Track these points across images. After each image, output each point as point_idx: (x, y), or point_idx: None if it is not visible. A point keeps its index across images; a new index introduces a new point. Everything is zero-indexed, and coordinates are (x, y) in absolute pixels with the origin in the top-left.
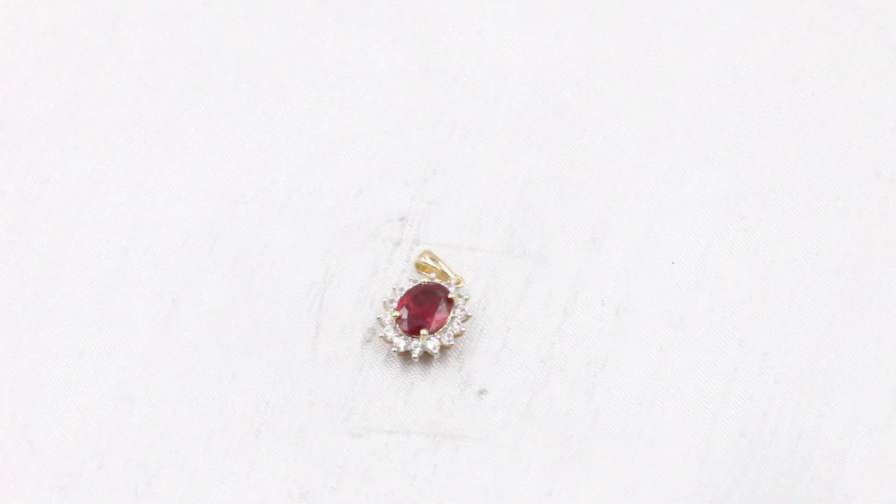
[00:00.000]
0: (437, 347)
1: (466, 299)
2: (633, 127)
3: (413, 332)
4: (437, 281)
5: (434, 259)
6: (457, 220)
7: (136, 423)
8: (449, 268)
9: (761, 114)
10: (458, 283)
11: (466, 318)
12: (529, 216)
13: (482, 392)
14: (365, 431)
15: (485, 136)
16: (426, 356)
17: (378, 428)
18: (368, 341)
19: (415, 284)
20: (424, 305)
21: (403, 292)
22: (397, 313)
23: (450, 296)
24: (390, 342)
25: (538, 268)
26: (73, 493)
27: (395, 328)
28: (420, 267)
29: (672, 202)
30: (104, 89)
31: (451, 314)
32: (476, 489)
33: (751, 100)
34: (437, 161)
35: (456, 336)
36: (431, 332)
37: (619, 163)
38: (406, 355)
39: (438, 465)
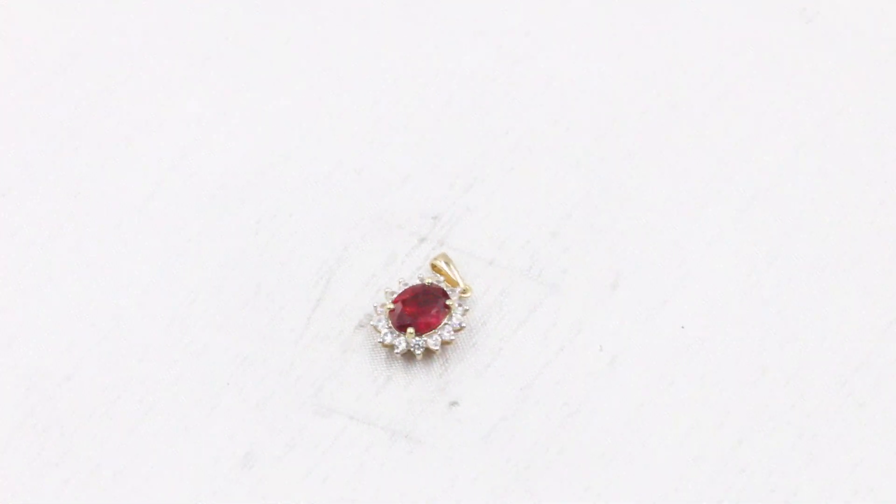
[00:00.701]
0: (421, 349)
1: (466, 310)
2: (683, 176)
3: (401, 328)
4: (443, 285)
5: (448, 263)
6: (487, 231)
7: (115, 344)
8: (461, 276)
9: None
10: (463, 292)
11: (460, 328)
12: (557, 245)
13: (453, 403)
14: (328, 412)
15: (535, 155)
16: (409, 354)
17: (342, 411)
18: (362, 326)
19: (420, 283)
20: (420, 305)
21: (407, 287)
22: (392, 306)
23: (448, 302)
24: (378, 331)
25: (550, 298)
26: (35, 393)
27: (386, 320)
28: (434, 268)
29: (698, 265)
30: (163, 36)
31: (446, 320)
32: (414, 495)
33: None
34: (484, 169)
35: (444, 343)
36: (418, 333)
37: (659, 212)
38: (391, 348)
39: (387, 463)
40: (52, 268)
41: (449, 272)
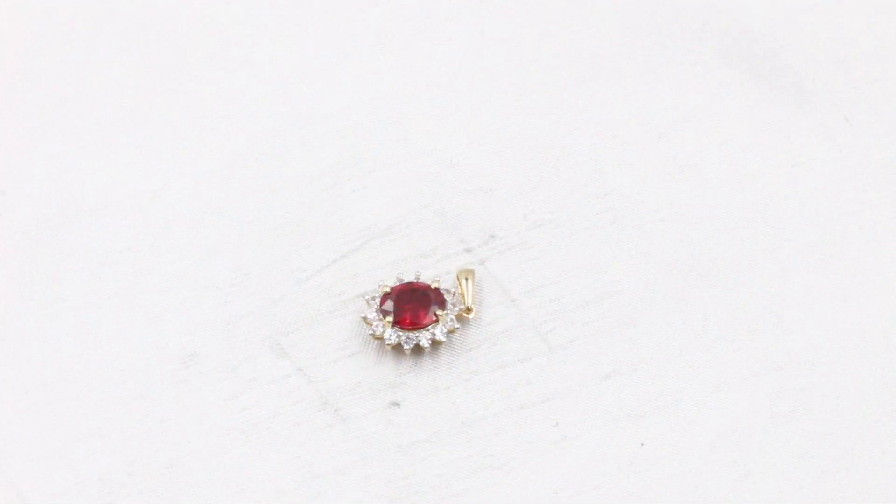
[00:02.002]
0: (393, 339)
1: (454, 328)
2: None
3: (385, 313)
4: (445, 295)
5: (469, 279)
6: (529, 272)
7: (105, 251)
8: (474, 296)
9: None
10: (467, 311)
11: (435, 342)
12: (578, 317)
13: (394, 404)
14: (283, 356)
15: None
16: (398, 347)
17: (294, 362)
18: (365, 299)
19: (427, 285)
20: (411, 302)
21: (406, 283)
22: (388, 288)
23: (438, 312)
24: (369, 324)
25: (540, 358)
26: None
27: (378, 312)
28: (458, 277)
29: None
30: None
31: (431, 327)
32: (300, 463)
33: None
34: (566, 217)
35: (411, 348)
36: (402, 328)
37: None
38: (381, 340)
39: (301, 423)
40: None
41: (464, 288)
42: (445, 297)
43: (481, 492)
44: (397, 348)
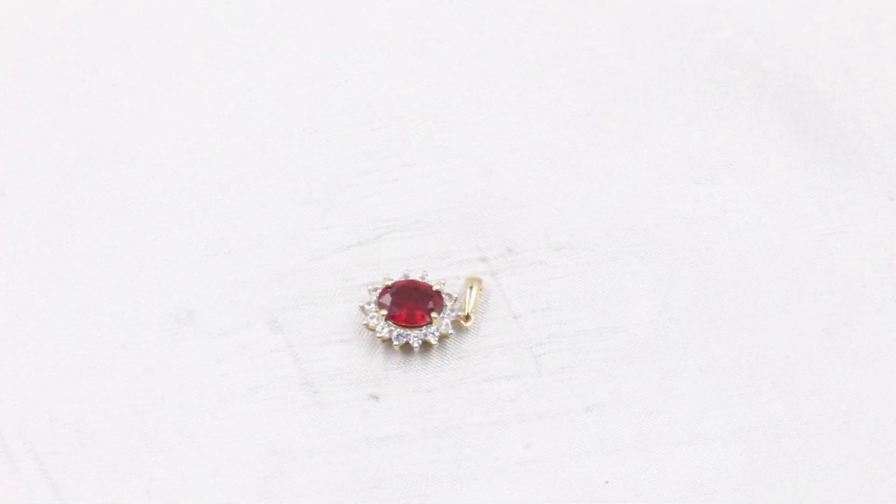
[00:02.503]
0: (384, 333)
1: (447, 334)
2: None
3: (381, 306)
4: (445, 298)
5: (474, 288)
6: (538, 295)
7: (130, 200)
8: (476, 305)
9: None
10: (465, 318)
11: (426, 343)
12: (589, 360)
13: (374, 397)
14: (277, 330)
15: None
16: (389, 342)
17: (287, 338)
18: (368, 289)
19: (429, 286)
20: (411, 302)
21: (410, 280)
22: (390, 281)
23: (433, 315)
24: (366, 314)
25: (528, 381)
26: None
27: (376, 305)
28: (466, 283)
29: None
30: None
31: (426, 327)
32: (265, 437)
33: None
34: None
35: (400, 345)
36: (396, 324)
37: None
38: (373, 331)
39: (278, 399)
40: None
41: (468, 295)
42: (445, 301)
43: (439, 499)
44: (388, 343)
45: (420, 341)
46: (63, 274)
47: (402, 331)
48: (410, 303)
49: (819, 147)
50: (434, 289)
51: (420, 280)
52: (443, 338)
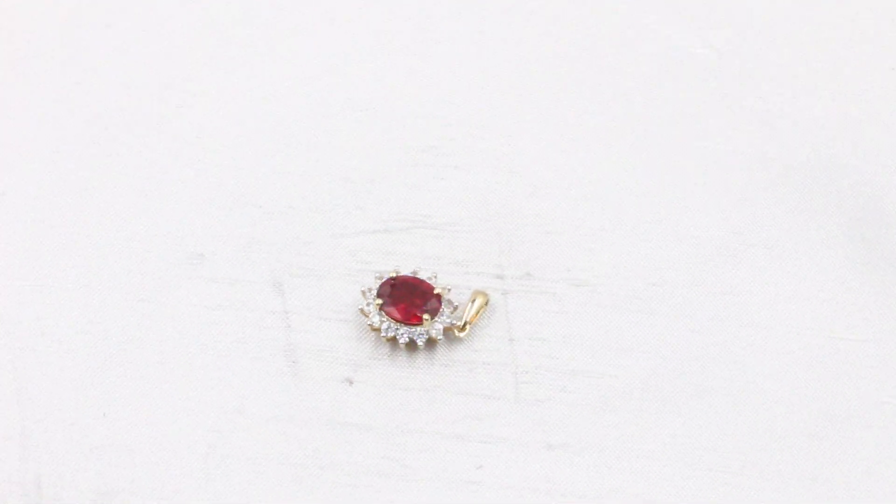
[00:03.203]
0: (374, 319)
1: (434, 339)
2: None
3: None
4: (444, 303)
5: (477, 302)
6: (541, 325)
7: (180, 134)
8: (473, 317)
9: None
10: (461, 329)
11: (412, 343)
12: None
13: (349, 380)
14: (279, 293)
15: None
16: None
17: (285, 303)
18: (375, 275)
19: (432, 287)
20: (409, 298)
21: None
22: (395, 274)
23: (425, 317)
24: (364, 297)
25: (501, 405)
26: None
27: (374, 300)
28: (474, 295)
29: None
30: None
31: (417, 326)
32: (232, 401)
33: None
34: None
35: (387, 338)
36: (384, 310)
37: None
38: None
39: (257, 362)
40: None
41: (469, 308)
42: (444, 307)
43: (377, 493)
44: (378, 333)
45: (407, 339)
46: (97, 194)
47: (392, 324)
48: (408, 300)
49: (872, 253)
50: (435, 292)
51: (426, 280)
52: (430, 342)
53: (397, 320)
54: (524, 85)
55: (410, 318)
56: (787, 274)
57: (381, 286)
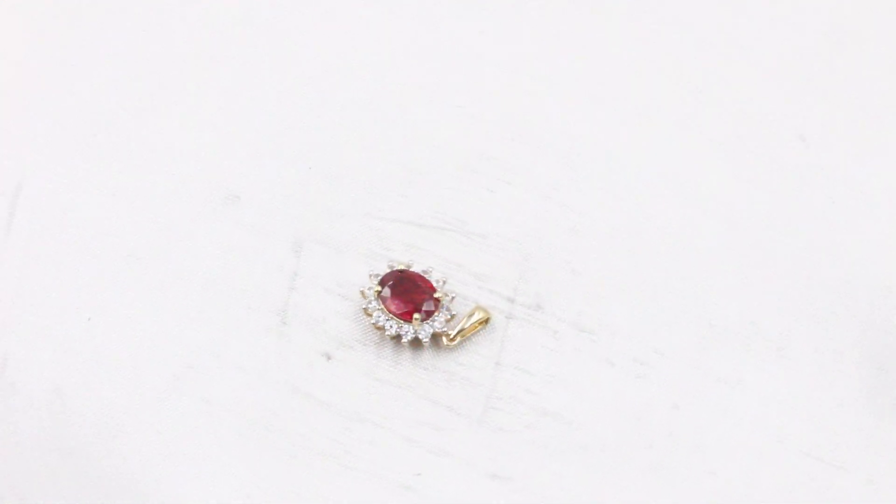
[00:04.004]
0: (371, 299)
1: (417, 341)
2: None
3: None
4: (442, 307)
5: (475, 317)
6: (531, 358)
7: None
8: (467, 334)
9: None
10: (450, 339)
11: (395, 336)
12: (530, 438)
13: (327, 355)
14: (296, 255)
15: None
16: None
17: (297, 266)
18: (389, 264)
19: (434, 290)
20: (408, 294)
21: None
22: (403, 267)
23: (416, 315)
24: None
25: (461, 422)
26: None
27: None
28: (473, 309)
29: None
30: None
31: (401, 323)
32: (211, 345)
33: None
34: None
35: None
36: (381, 298)
37: None
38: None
39: (249, 311)
40: None
41: (465, 322)
42: (439, 313)
43: (310, 471)
44: (369, 316)
45: (394, 331)
46: (152, 122)
47: (383, 313)
48: (407, 295)
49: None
50: (436, 295)
51: (433, 283)
52: (416, 342)
53: (390, 312)
54: (605, 128)
55: (403, 315)
56: (790, 377)
57: (387, 275)
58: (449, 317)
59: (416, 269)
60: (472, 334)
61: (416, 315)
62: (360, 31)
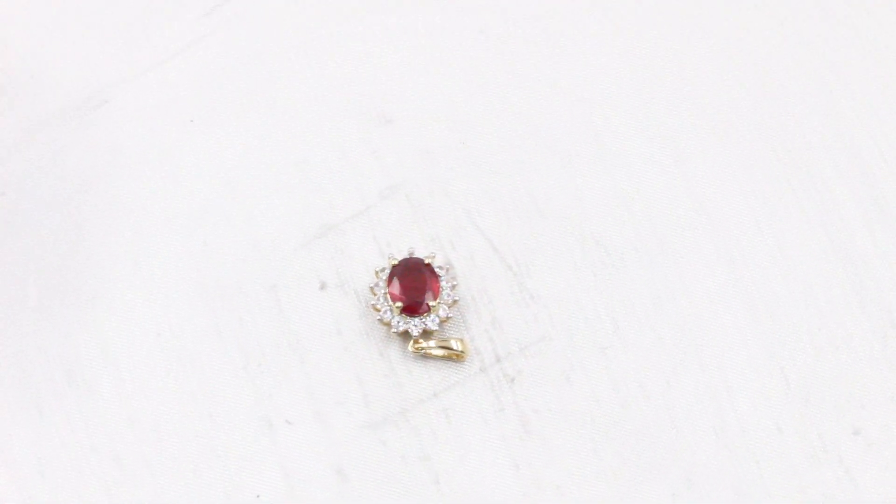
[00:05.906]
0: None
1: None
2: None
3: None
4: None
5: (455, 349)
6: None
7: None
8: (449, 348)
9: None
10: (416, 344)
11: (385, 323)
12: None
13: (322, 286)
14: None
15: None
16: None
17: (309, 236)
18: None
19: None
20: (414, 285)
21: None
22: (395, 261)
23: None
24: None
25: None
26: None
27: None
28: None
29: None
30: None
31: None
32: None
33: None
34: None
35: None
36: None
37: None
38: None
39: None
40: None
41: (437, 345)
42: (434, 313)
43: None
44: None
45: (397, 323)
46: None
47: (385, 299)
48: (413, 286)
49: None
50: (439, 301)
51: (439, 282)
52: (402, 333)
53: (395, 297)
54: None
55: (410, 307)
56: None
57: (400, 264)
58: (452, 286)
59: (434, 261)
60: (436, 360)
61: (431, 302)
62: None
